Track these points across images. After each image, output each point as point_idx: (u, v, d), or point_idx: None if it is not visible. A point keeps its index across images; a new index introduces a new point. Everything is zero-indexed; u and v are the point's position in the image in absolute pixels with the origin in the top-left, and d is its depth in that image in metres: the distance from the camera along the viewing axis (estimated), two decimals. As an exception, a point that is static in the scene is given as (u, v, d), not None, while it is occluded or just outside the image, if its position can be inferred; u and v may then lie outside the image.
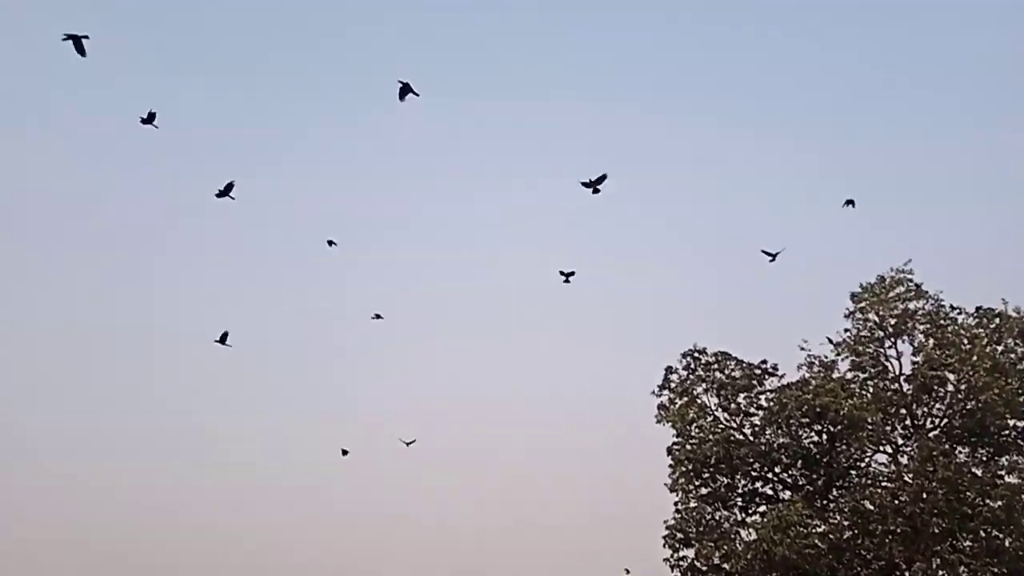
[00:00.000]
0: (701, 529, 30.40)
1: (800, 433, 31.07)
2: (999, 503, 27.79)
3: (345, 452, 31.18)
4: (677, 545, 30.40)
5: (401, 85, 20.50)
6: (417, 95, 20.51)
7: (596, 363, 50.94)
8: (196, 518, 43.47)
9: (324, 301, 52.31)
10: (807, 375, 31.73)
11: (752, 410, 32.01)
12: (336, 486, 43.51)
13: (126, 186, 56.17)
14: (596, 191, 22.81)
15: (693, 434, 31.74)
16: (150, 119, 20.92)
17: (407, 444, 30.85)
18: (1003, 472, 28.81)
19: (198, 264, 54.99)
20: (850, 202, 27.65)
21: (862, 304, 32.08)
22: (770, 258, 25.99)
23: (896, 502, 28.30)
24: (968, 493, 27.92)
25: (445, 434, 42.84)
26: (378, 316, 29.27)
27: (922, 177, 59.41)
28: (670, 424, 31.93)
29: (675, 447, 31.73)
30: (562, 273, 26.55)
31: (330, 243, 27.57)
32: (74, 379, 50.36)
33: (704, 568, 29.77)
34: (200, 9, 60.75)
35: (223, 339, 24.59)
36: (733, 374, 32.44)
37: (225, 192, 22.28)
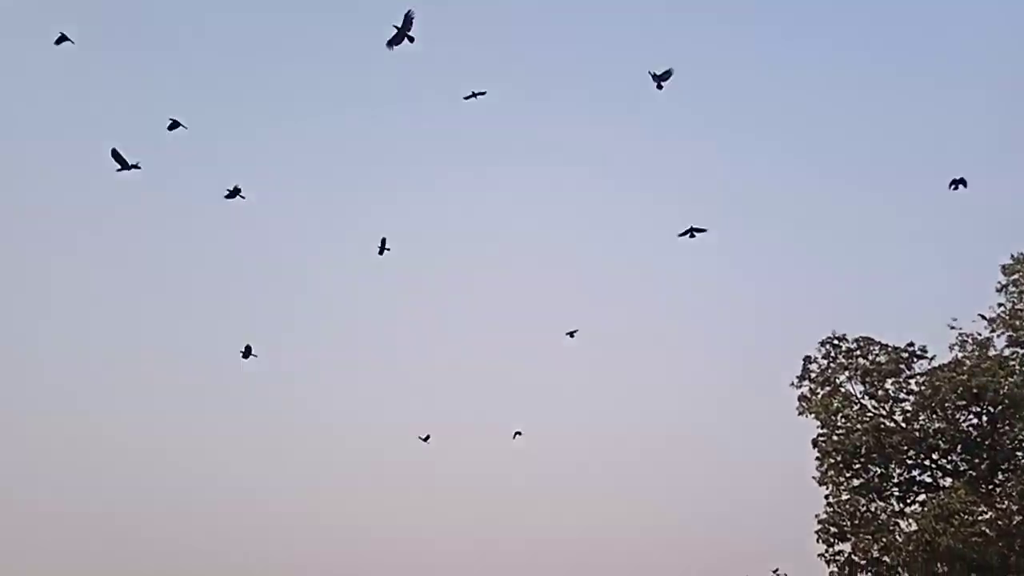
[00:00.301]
0: (856, 522, 29.23)
1: (957, 417, 29.45)
2: None
3: (426, 439, 30.91)
4: (831, 539, 29.29)
5: (396, 30, 18.92)
6: (412, 39, 18.94)
7: (725, 352, 49.57)
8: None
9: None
10: (960, 355, 30.03)
11: (902, 395, 30.60)
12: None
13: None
14: (660, 87, 21.40)
15: (839, 424, 30.62)
16: (174, 126, 21.75)
17: (516, 435, 30.65)
18: None
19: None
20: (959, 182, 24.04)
21: (1015, 276, 30.14)
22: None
23: (1070, 483, 26.34)
24: None
25: (575, 437, 42.88)
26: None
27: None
28: (813, 415, 30.89)
29: (821, 439, 30.64)
30: (691, 231, 24.35)
31: (382, 248, 25.45)
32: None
33: (862, 562, 28.56)
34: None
35: (247, 353, 25.22)
36: (878, 359, 31.10)
37: (233, 194, 22.90)
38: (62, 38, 21.16)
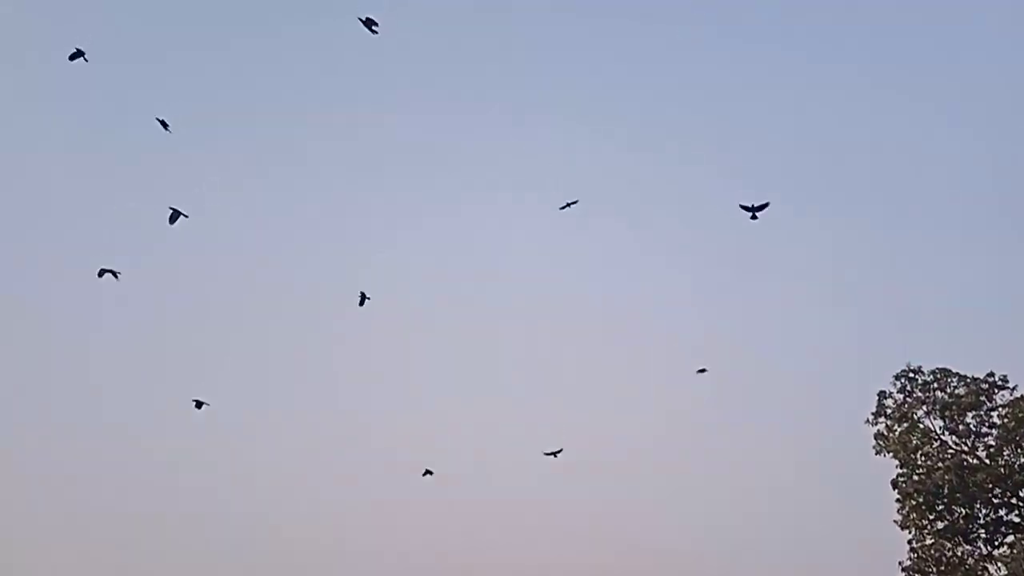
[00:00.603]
0: (942, 568, 28.44)
1: (1044, 451, 28.34)
2: None
3: (428, 472, 29.31)
4: (918, 587, 28.58)
5: (363, 21, 19.04)
6: (376, 30, 19.22)
7: (794, 389, 47.66)
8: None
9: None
10: (1045, 384, 28.84)
11: (984, 429, 29.64)
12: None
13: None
14: (755, 217, 21.57)
15: (919, 463, 29.66)
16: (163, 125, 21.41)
17: (552, 455, 30.17)
18: None
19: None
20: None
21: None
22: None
23: None
24: None
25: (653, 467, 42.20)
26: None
27: None
28: (891, 454, 29.97)
29: (900, 479, 29.72)
30: (753, 210, 22.33)
31: (362, 300, 24.97)
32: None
33: (951, 611, 27.85)
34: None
35: (199, 404, 24.69)
36: (957, 391, 30.05)
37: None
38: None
